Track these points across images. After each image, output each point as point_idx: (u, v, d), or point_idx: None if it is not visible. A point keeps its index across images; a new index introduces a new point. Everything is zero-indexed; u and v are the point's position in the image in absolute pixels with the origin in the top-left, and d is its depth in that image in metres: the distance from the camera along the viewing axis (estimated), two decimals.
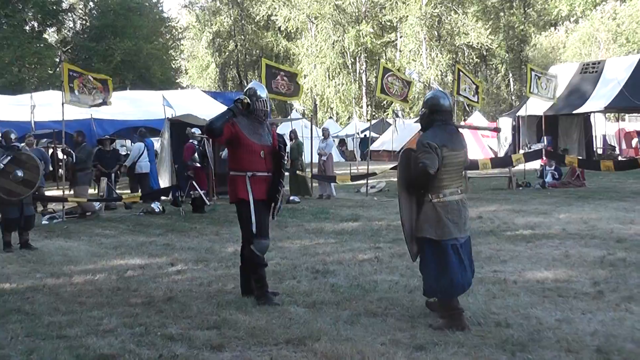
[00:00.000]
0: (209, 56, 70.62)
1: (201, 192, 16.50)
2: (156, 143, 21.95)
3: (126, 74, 43.81)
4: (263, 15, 64.44)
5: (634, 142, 33.90)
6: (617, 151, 35.09)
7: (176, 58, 58.59)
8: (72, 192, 17.60)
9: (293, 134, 20.26)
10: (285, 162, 7.29)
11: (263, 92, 7.36)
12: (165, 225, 14.30)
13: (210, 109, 22.96)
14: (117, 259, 10.07)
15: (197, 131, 17.16)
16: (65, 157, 19.71)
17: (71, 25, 50.19)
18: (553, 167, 21.33)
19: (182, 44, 64.57)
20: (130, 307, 7.01)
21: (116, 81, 38.54)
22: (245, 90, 7.44)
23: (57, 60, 45.08)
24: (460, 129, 6.47)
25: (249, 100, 7.12)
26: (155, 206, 16.63)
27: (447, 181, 6.07)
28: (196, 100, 25.16)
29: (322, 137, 21.46)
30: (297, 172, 19.35)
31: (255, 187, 7.09)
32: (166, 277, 8.59)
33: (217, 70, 71.40)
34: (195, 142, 17.07)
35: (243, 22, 70.26)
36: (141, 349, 5.60)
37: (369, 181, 20.99)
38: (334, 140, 47.05)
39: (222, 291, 7.70)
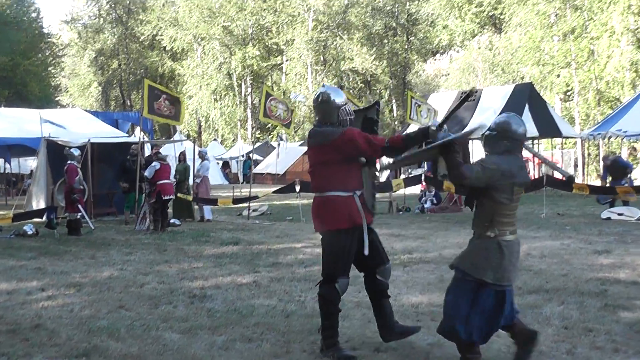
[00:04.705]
0: (92, 74, 69.17)
1: (85, 214, 16.04)
2: (33, 162, 21.18)
3: (1, 90, 42.25)
4: (148, 35, 63.38)
5: None
6: None
7: (56, 75, 57.06)
8: None
9: (182, 156, 19.85)
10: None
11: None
12: (38, 248, 13.72)
13: (91, 128, 22.43)
14: None
15: (75, 151, 16.64)
16: None
17: None
18: (433, 193, 21.81)
19: (63, 61, 62.95)
20: None
21: None
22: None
23: None
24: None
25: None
26: (28, 228, 16.01)
27: (512, 217, 5.34)
28: (76, 119, 24.36)
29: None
30: (179, 195, 18.93)
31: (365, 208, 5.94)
32: (35, 303, 8.22)
33: (99, 89, 69.95)
34: (76, 163, 16.49)
35: (127, 40, 69.01)
36: None
37: (251, 204, 20.86)
38: (217, 163, 46.94)
39: (94, 317, 7.44)
